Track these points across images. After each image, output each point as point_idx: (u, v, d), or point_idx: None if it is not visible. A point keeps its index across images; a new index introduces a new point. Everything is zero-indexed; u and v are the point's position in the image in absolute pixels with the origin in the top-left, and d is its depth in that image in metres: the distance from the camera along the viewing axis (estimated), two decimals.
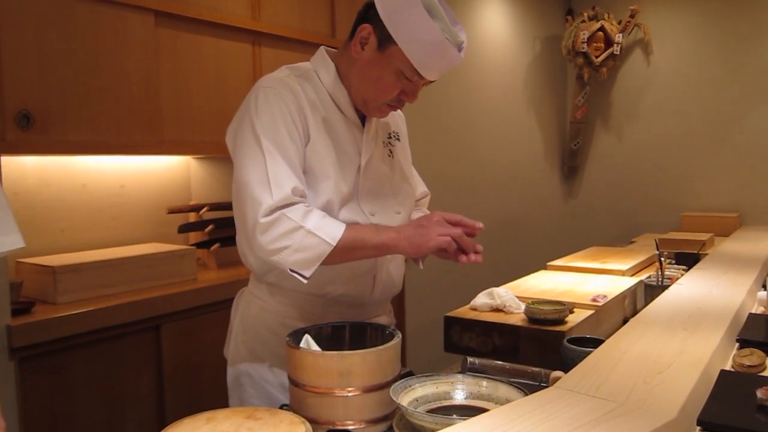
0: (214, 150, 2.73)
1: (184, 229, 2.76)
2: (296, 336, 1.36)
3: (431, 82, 1.51)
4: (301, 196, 1.41)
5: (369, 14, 1.46)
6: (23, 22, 2.04)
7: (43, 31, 2.09)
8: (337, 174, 1.50)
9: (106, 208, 2.55)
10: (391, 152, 1.67)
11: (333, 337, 1.45)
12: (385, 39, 1.44)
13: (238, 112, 1.54)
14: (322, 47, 1.61)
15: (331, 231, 1.38)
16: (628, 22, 5.01)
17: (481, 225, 1.50)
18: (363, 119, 1.59)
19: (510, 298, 1.85)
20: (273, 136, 1.42)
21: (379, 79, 1.49)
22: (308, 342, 1.34)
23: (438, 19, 1.42)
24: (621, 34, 5.00)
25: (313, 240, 1.36)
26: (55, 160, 2.38)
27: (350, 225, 1.43)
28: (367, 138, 1.58)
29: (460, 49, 1.47)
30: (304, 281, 1.38)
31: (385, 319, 1.71)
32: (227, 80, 2.70)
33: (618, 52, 5.02)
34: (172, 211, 2.70)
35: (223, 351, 1.74)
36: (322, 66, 1.56)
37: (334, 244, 1.37)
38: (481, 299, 1.88)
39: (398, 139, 1.73)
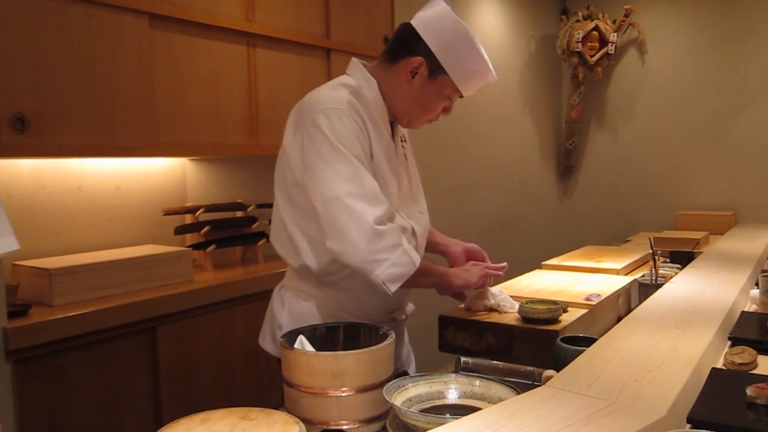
0: (210, 152, 2.73)
1: (180, 230, 2.76)
2: (290, 337, 1.37)
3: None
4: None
5: (418, 47, 1.62)
6: (17, 24, 2.04)
7: (38, 34, 2.09)
8: (390, 187, 1.66)
9: (101, 210, 2.55)
10: (405, 155, 1.81)
11: (327, 338, 1.46)
12: (436, 69, 1.63)
13: (296, 132, 1.62)
14: (355, 60, 1.74)
15: (415, 255, 1.57)
16: (623, 21, 5.03)
17: (504, 265, 1.89)
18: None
19: (504, 298, 1.86)
20: (357, 154, 1.56)
21: (428, 102, 1.69)
22: (302, 343, 1.35)
23: (479, 45, 1.62)
24: (615, 34, 5.01)
25: (406, 259, 1.54)
26: (50, 162, 2.38)
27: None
28: (399, 149, 1.74)
29: None
30: (390, 293, 1.54)
31: (410, 306, 1.90)
32: (222, 82, 2.71)
33: (612, 52, 5.03)
34: (167, 213, 2.71)
35: (258, 341, 1.87)
36: (364, 82, 1.68)
37: (417, 266, 1.56)
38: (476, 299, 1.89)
39: (406, 141, 1.86)
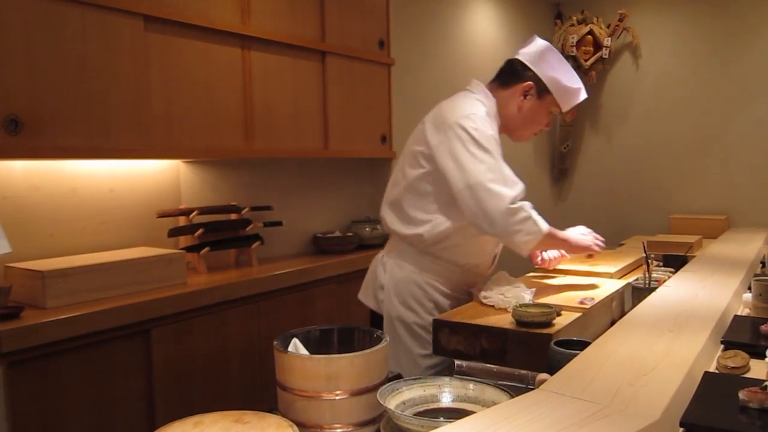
0: (204, 154, 2.73)
1: (174, 233, 2.75)
2: (284, 340, 1.37)
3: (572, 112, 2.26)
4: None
5: (526, 74, 2.14)
6: (11, 26, 2.04)
7: (32, 36, 2.09)
8: None
9: (95, 212, 2.55)
10: None
11: (321, 341, 1.46)
12: (543, 90, 2.15)
13: (439, 132, 2.04)
14: (477, 81, 2.21)
15: (542, 223, 2.01)
16: (617, 26, 5.04)
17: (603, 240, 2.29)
18: None
19: (520, 290, 1.96)
20: (496, 150, 2.03)
21: (536, 118, 2.20)
22: (296, 346, 1.35)
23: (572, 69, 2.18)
24: (610, 38, 5.03)
25: (535, 228, 1.98)
26: (44, 164, 2.37)
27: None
28: None
29: None
30: (524, 254, 2.06)
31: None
32: (217, 84, 2.71)
33: (607, 56, 5.05)
34: (161, 215, 2.70)
35: (357, 296, 2.34)
36: (487, 100, 2.16)
37: (545, 232, 2.01)
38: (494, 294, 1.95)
39: None
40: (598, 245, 2.23)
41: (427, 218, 2.09)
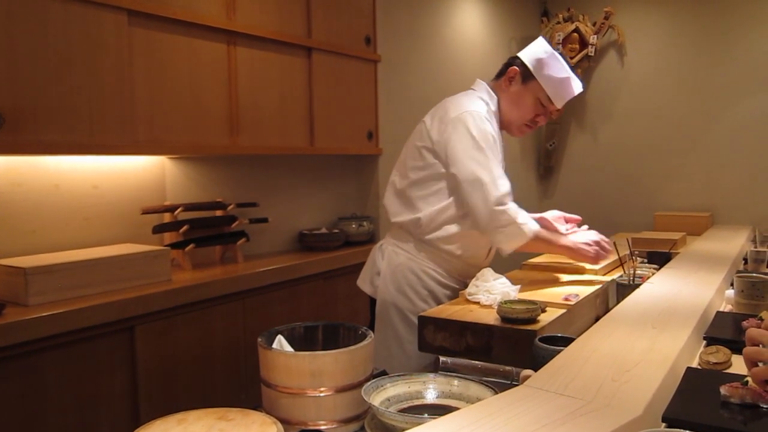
0: (189, 150, 2.71)
1: (159, 229, 2.74)
2: (269, 337, 1.36)
3: (559, 111, 2.18)
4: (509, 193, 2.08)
5: (514, 62, 2.24)
6: None
7: (14, 29, 2.07)
8: None
9: (78, 208, 2.52)
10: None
11: (306, 338, 1.46)
12: (527, 76, 2.20)
13: (441, 125, 2.14)
14: (480, 80, 2.31)
15: (529, 228, 2.07)
16: (603, 23, 5.07)
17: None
18: None
19: (504, 285, 1.93)
20: (491, 148, 2.09)
21: (522, 104, 2.24)
22: (281, 342, 1.35)
23: (563, 61, 2.21)
24: (595, 36, 5.05)
25: (518, 231, 2.06)
26: (26, 159, 2.35)
27: (540, 229, 2.13)
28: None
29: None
30: (504, 254, 2.15)
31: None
32: (202, 80, 2.69)
33: (592, 54, 5.07)
34: (146, 212, 2.68)
35: (360, 283, 2.38)
36: (489, 98, 2.26)
37: (531, 237, 2.07)
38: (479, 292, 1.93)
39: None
40: (601, 255, 2.20)
41: (426, 205, 2.17)
